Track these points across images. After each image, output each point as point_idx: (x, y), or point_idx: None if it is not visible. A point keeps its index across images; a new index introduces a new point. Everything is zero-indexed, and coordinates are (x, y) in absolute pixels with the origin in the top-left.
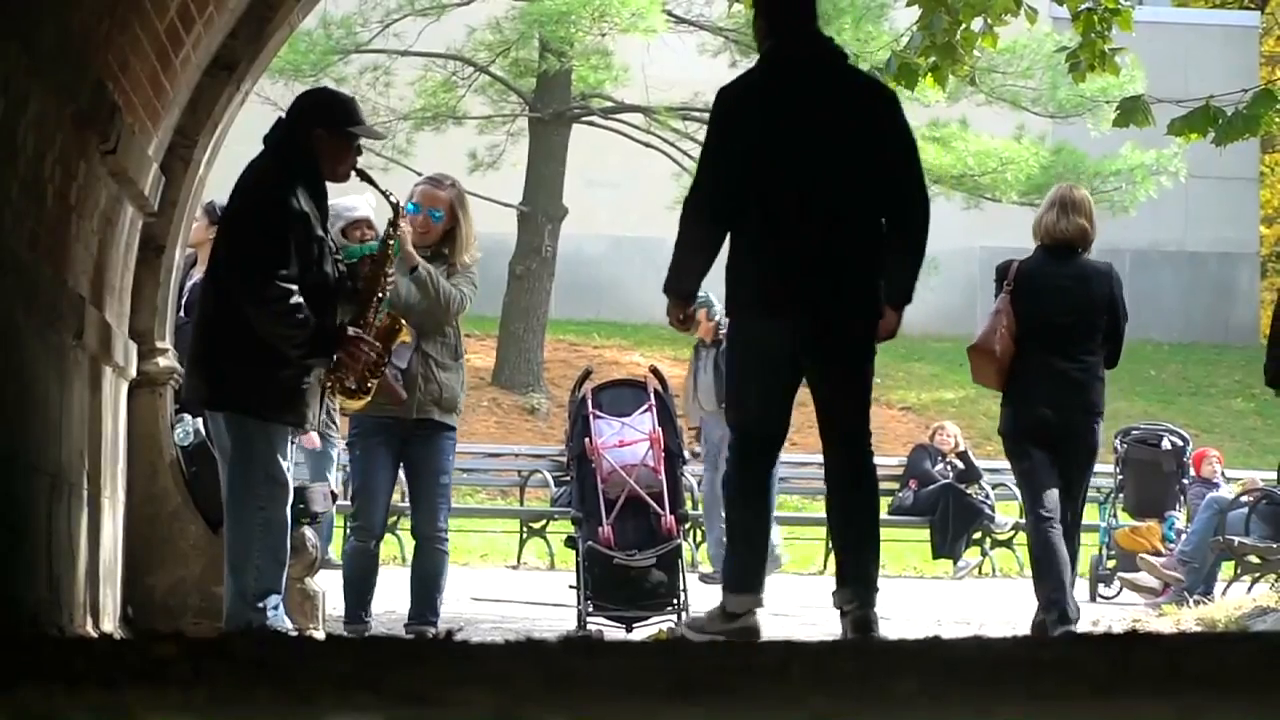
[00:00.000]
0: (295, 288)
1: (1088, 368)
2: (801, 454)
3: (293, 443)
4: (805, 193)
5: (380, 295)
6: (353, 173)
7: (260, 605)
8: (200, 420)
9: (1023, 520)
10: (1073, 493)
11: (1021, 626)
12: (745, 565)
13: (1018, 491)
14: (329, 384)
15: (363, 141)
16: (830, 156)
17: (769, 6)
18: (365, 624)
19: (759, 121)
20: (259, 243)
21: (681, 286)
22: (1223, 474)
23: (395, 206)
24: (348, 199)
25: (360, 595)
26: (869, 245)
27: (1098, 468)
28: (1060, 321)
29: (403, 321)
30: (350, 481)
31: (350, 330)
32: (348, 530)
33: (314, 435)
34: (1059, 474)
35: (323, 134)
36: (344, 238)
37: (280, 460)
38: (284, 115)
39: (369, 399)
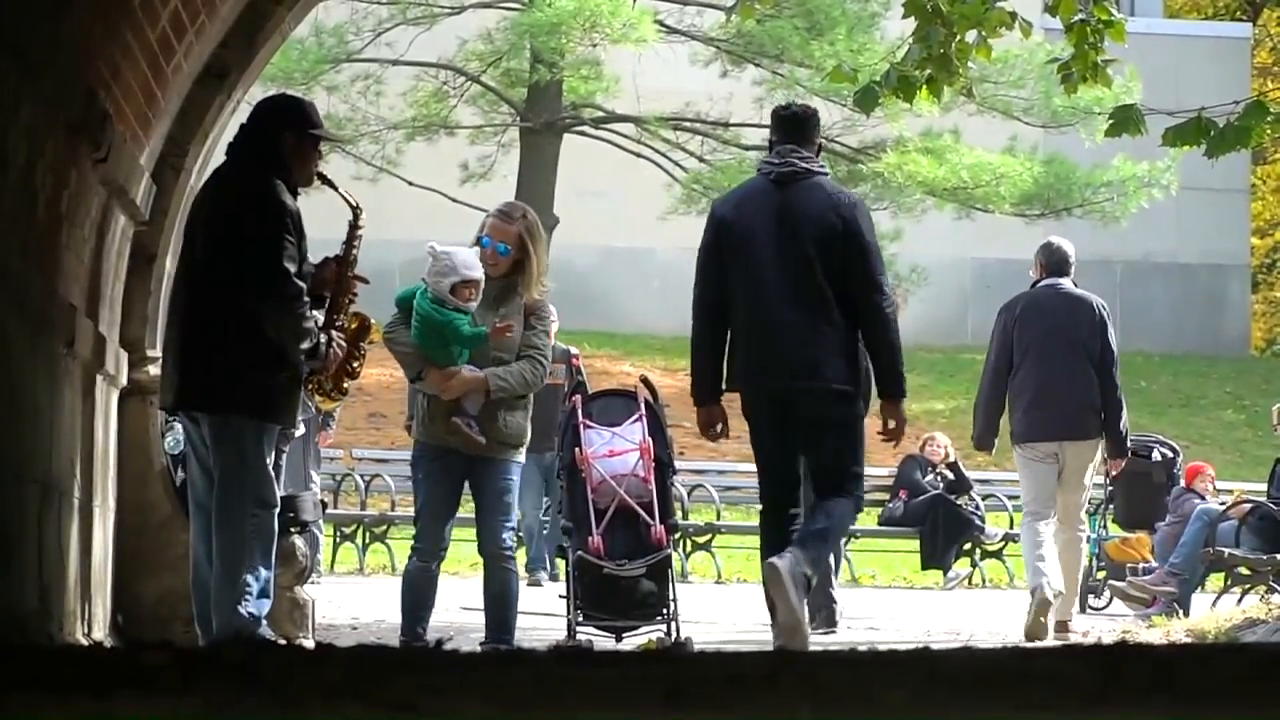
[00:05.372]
0: (305, 286)
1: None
2: None
3: (281, 444)
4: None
5: (350, 298)
6: (315, 176)
7: (252, 614)
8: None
9: (1014, 531)
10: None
11: (1012, 637)
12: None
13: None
14: (310, 385)
15: (353, 150)
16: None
17: None
18: (424, 643)
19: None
20: (273, 243)
21: None
22: (1213, 488)
23: (355, 209)
24: (464, 253)
25: (416, 615)
26: None
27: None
28: None
29: (371, 321)
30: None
31: (332, 332)
32: (410, 551)
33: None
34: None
35: (290, 137)
36: (452, 294)
37: (270, 463)
38: (247, 122)
39: (343, 399)
